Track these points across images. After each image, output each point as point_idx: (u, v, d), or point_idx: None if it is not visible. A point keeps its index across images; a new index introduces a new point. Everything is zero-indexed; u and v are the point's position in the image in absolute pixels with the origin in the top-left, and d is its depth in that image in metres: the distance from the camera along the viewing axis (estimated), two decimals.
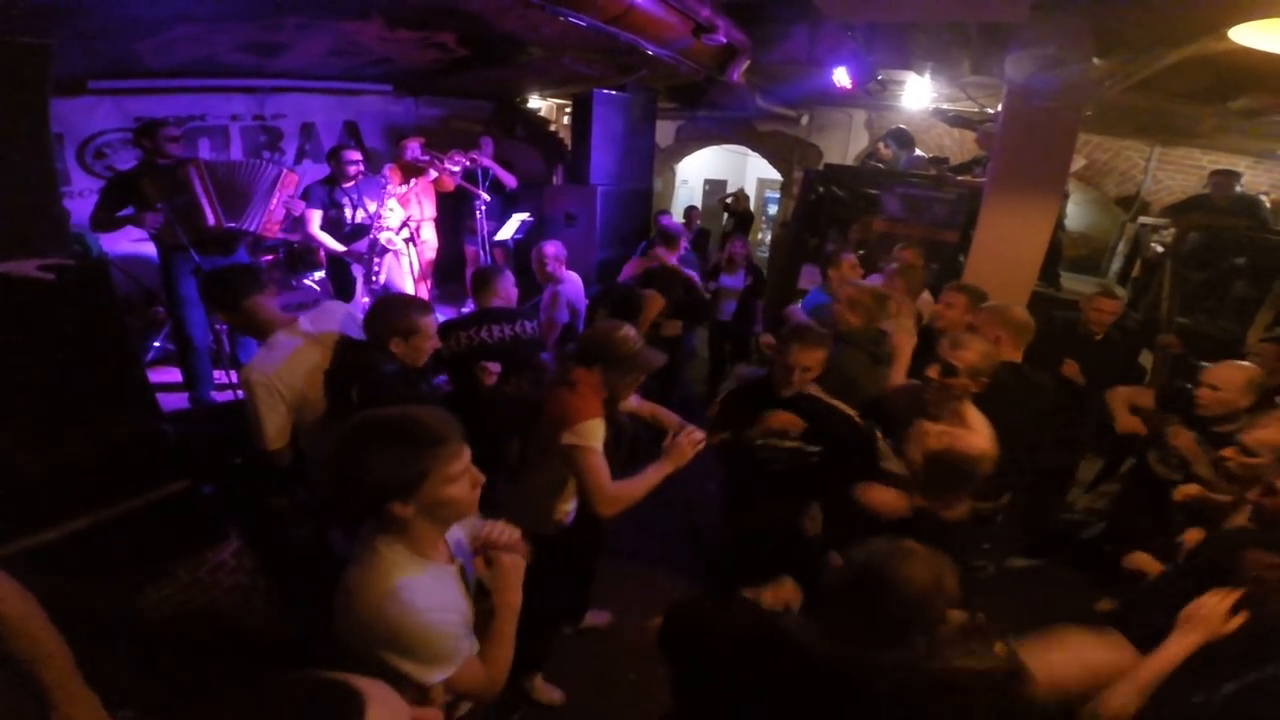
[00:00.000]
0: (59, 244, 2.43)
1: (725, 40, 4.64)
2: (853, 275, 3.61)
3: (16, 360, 2.15)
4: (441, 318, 2.80)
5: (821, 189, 5.34)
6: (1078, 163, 5.81)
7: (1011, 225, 3.86)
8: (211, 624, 2.50)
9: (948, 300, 3.08)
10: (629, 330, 2.00)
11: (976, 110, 5.35)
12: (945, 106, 5.84)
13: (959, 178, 5.13)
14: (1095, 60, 3.13)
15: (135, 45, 3.84)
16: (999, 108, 4.24)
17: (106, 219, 3.57)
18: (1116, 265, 6.16)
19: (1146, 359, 3.95)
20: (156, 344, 4.58)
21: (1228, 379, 2.41)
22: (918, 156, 6.04)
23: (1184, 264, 4.29)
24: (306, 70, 5.35)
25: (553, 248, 3.76)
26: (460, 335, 2.69)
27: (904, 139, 6.06)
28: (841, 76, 4.86)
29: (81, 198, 4.87)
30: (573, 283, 3.87)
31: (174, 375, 4.07)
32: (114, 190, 3.58)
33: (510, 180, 5.58)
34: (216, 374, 3.98)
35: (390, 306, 2.14)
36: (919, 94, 5.39)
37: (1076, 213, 6.90)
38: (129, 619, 2.29)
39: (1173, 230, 4.62)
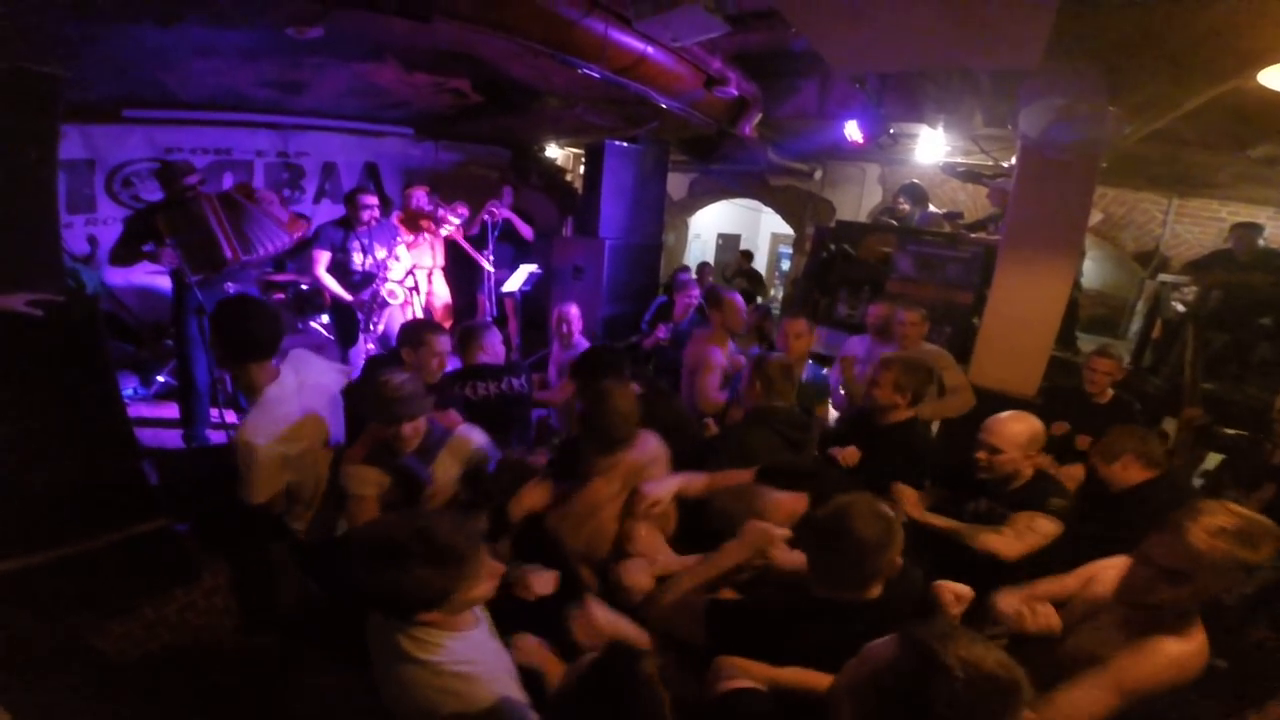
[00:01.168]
0: (52, 278, 2.41)
1: (737, 93, 4.71)
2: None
3: None
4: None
5: (833, 246, 5.28)
6: (1094, 217, 5.71)
7: (1027, 285, 3.73)
8: (176, 664, 2.42)
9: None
10: (394, 378, 1.96)
11: (990, 165, 5.33)
12: (958, 160, 5.84)
13: (973, 235, 5.07)
14: (1111, 109, 3.08)
15: (161, 76, 3.98)
16: (1013, 160, 4.20)
17: (125, 254, 3.62)
18: (1136, 325, 5.96)
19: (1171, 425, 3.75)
20: (162, 378, 4.57)
21: (1010, 437, 2.13)
22: (931, 213, 6.01)
23: (1207, 325, 4.11)
24: (329, 109, 5.53)
25: (576, 310, 3.86)
26: (445, 392, 2.68)
27: (917, 194, 6.04)
28: (853, 130, 4.89)
29: (106, 225, 4.99)
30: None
31: (174, 411, 4.03)
32: (134, 226, 3.64)
33: (528, 231, 5.60)
34: (214, 412, 3.90)
35: (408, 324, 2.61)
36: (932, 148, 5.40)
37: (1093, 269, 6.76)
38: (88, 654, 2.22)
39: (1194, 288, 4.47)
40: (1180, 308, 4.58)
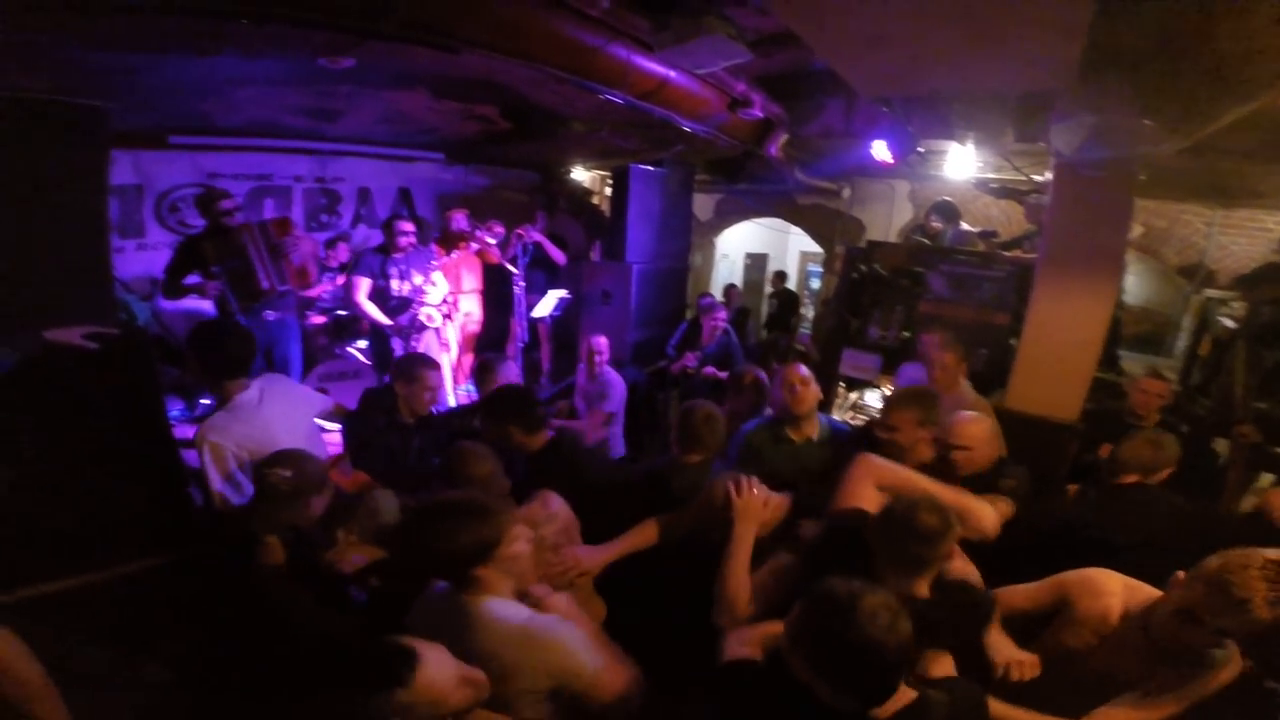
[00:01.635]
0: (105, 311, 2.50)
1: (762, 114, 4.71)
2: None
3: (53, 422, 2.20)
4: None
5: (864, 267, 5.18)
6: (1134, 230, 5.50)
7: (1067, 306, 3.57)
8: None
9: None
10: (276, 471, 1.88)
11: (1024, 180, 5.20)
12: (991, 176, 5.70)
13: (1008, 254, 4.93)
14: (1146, 122, 2.97)
15: (204, 105, 4.16)
16: (1047, 175, 4.08)
17: (175, 286, 3.78)
18: (1182, 343, 5.69)
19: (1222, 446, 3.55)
20: (206, 401, 4.66)
21: (976, 435, 2.32)
22: (964, 230, 5.87)
23: (1258, 341, 3.90)
24: (362, 135, 5.70)
25: (604, 341, 3.92)
26: (456, 424, 2.82)
27: (949, 212, 5.90)
28: (881, 150, 4.82)
29: (154, 250, 5.22)
30: (618, 385, 3.90)
31: None
32: (181, 255, 3.79)
33: (559, 256, 5.64)
34: None
35: (404, 357, 2.71)
36: (963, 164, 5.29)
37: (1136, 285, 6.48)
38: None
39: (1243, 303, 4.25)
40: (1229, 324, 4.36)
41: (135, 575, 2.33)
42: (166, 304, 4.97)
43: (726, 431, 2.37)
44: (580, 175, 7.71)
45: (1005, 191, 5.50)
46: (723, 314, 4.51)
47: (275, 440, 2.12)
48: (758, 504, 1.75)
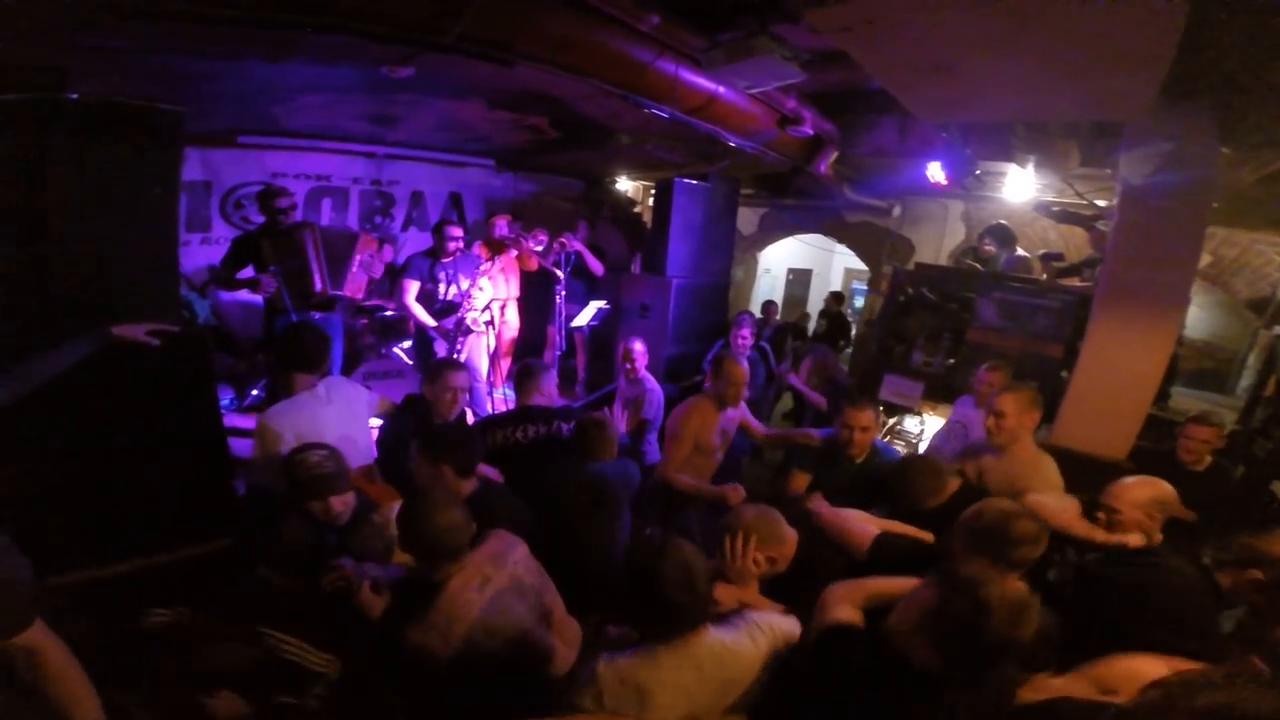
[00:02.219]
0: (170, 308, 2.57)
1: (812, 132, 4.65)
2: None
3: (112, 413, 2.32)
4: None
5: (911, 290, 5.05)
6: (1202, 259, 5.21)
7: (1125, 342, 3.41)
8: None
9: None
10: (311, 454, 1.96)
11: (1086, 204, 4.99)
12: (1053, 200, 5.49)
13: (1064, 282, 4.73)
14: (1223, 150, 2.82)
15: (272, 108, 4.35)
16: (1113, 200, 3.91)
17: (227, 278, 3.90)
18: (1247, 380, 5.37)
19: None
20: (255, 392, 4.85)
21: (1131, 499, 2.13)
22: (1019, 256, 5.67)
23: None
24: (418, 141, 5.87)
25: (641, 345, 3.90)
26: (498, 434, 2.80)
27: (1005, 236, 5.69)
28: (935, 172, 4.71)
29: (217, 245, 5.46)
30: (656, 392, 3.90)
31: None
32: (237, 249, 3.90)
33: (598, 267, 5.69)
34: None
35: (434, 360, 2.67)
36: (1021, 186, 5.11)
37: (1200, 318, 6.14)
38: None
39: None
40: None
41: (176, 564, 2.40)
42: (224, 294, 5.21)
43: None
44: (624, 185, 7.76)
45: (1069, 217, 5.28)
46: (747, 330, 4.43)
47: (325, 437, 2.17)
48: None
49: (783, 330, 6.85)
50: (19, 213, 2.16)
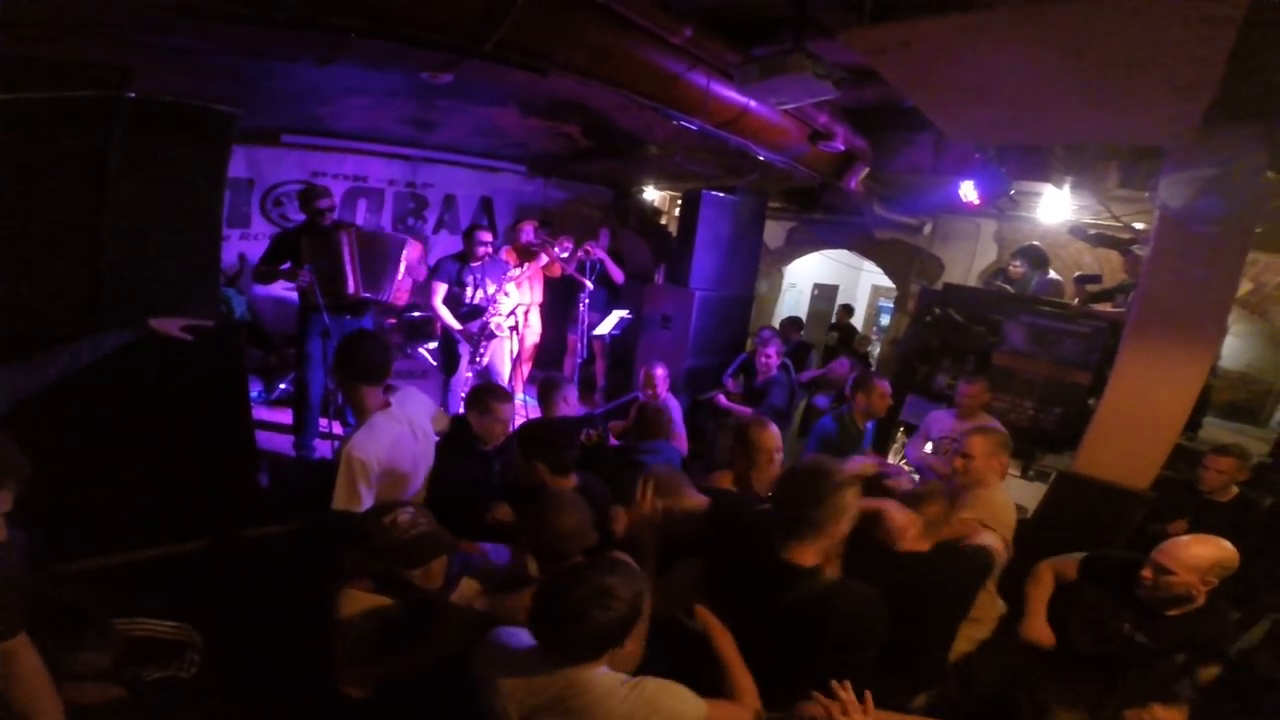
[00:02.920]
0: (209, 303, 2.65)
1: (844, 147, 4.64)
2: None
3: (145, 406, 2.39)
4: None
5: (938, 311, 4.99)
6: (1242, 286, 5.05)
7: (1155, 371, 3.33)
8: None
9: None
10: (401, 516, 1.73)
11: (1121, 226, 4.89)
12: (1088, 222, 5.38)
13: (1096, 307, 4.64)
14: (1270, 174, 2.75)
15: (317, 109, 4.49)
16: (1150, 224, 3.82)
17: (267, 272, 3.98)
18: None
19: None
20: (283, 385, 4.98)
21: (1188, 560, 1.96)
22: (1051, 279, 5.57)
23: None
24: (454, 144, 5.98)
25: (662, 370, 3.95)
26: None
27: (1037, 258, 5.60)
28: (968, 191, 4.65)
29: (255, 240, 5.63)
30: (676, 410, 3.90)
31: (289, 416, 4.35)
32: (277, 246, 4.00)
33: (619, 275, 5.72)
34: (323, 422, 4.21)
35: (478, 388, 2.62)
36: (1056, 207, 5.02)
37: (1236, 347, 5.93)
38: None
39: None
40: None
41: (197, 553, 2.47)
42: (258, 289, 5.35)
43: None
44: (650, 195, 7.81)
45: (1102, 239, 5.18)
46: (773, 350, 4.40)
47: (404, 462, 2.21)
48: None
49: (803, 347, 6.81)
50: (80, 206, 2.25)
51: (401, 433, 2.24)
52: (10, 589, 1.36)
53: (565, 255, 5.35)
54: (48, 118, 2.11)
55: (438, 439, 2.58)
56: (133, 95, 2.25)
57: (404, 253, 4.18)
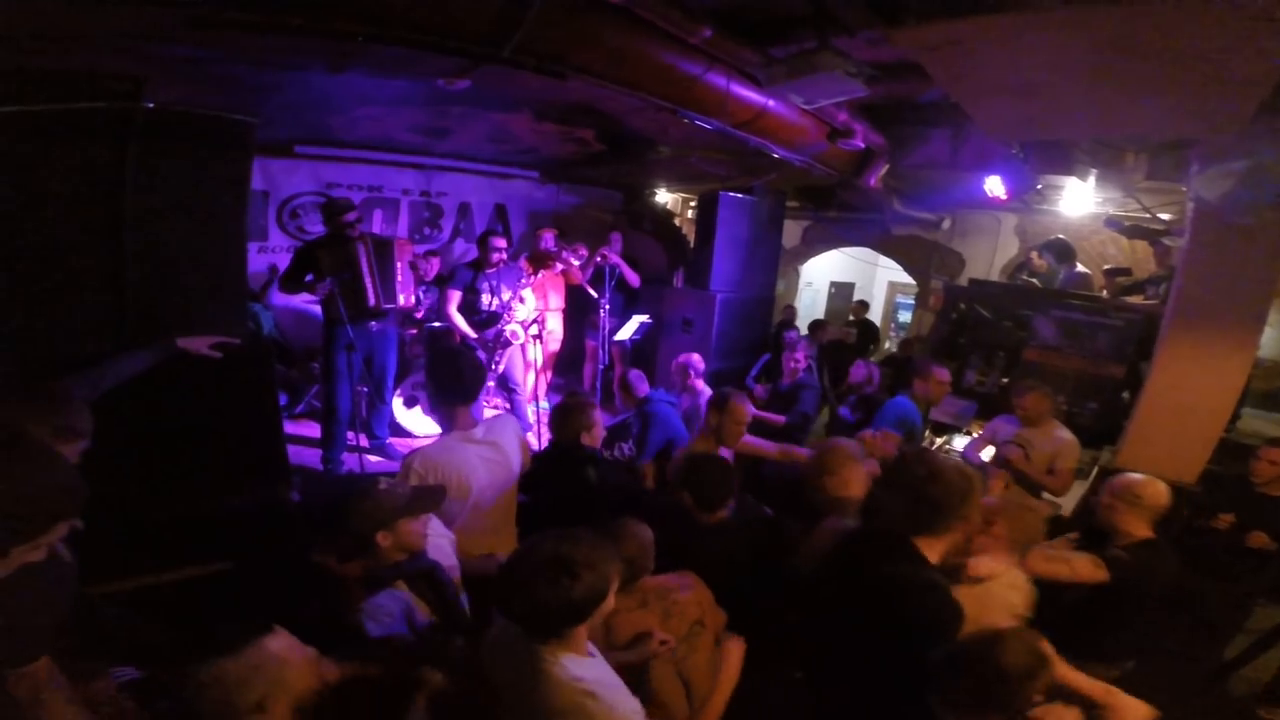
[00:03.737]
0: (238, 318, 2.61)
1: (863, 144, 4.56)
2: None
3: (175, 423, 2.36)
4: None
5: (964, 307, 4.89)
6: None
7: (1197, 364, 3.29)
8: None
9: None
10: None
11: (1151, 217, 4.77)
12: (1114, 213, 5.26)
13: (1128, 299, 4.53)
14: None
15: (329, 119, 4.48)
16: (1179, 215, 3.73)
17: (291, 285, 3.98)
18: None
19: None
20: (309, 399, 4.99)
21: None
22: (1079, 272, 5.45)
23: None
24: (466, 152, 5.96)
25: (699, 358, 3.91)
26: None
27: (1063, 251, 5.48)
28: (995, 186, 4.56)
29: (273, 254, 5.65)
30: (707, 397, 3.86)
31: (316, 430, 4.34)
32: (299, 258, 3.99)
33: (634, 279, 5.68)
34: (350, 436, 4.18)
35: (575, 409, 2.51)
36: (1080, 199, 4.92)
37: (1270, 336, 5.79)
38: None
39: None
40: None
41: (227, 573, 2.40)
42: (279, 300, 5.36)
43: None
44: (663, 197, 7.76)
45: (1136, 230, 5.04)
46: (801, 354, 4.32)
47: (468, 476, 2.17)
48: None
49: (834, 347, 6.70)
50: (100, 220, 2.23)
51: (474, 453, 2.22)
52: (43, 611, 1.33)
53: (579, 262, 5.31)
54: (64, 130, 2.09)
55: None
56: (149, 105, 2.22)
57: (394, 251, 4.14)
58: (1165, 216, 4.67)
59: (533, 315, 4.69)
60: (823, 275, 10.41)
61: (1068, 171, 4.48)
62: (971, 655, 1.33)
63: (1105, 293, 4.97)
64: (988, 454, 3.51)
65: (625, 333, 5.31)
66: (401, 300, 4.19)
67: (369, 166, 5.98)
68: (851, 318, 8.13)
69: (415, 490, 1.78)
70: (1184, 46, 1.79)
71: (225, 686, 1.06)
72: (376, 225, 6.15)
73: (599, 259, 5.31)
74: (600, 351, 5.26)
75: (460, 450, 2.19)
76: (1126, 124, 2.65)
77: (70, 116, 2.12)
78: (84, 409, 1.62)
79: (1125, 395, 3.99)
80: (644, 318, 5.39)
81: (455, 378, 2.24)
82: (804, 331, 6.73)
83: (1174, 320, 3.39)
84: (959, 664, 1.34)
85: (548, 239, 5.34)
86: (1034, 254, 5.50)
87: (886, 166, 4.96)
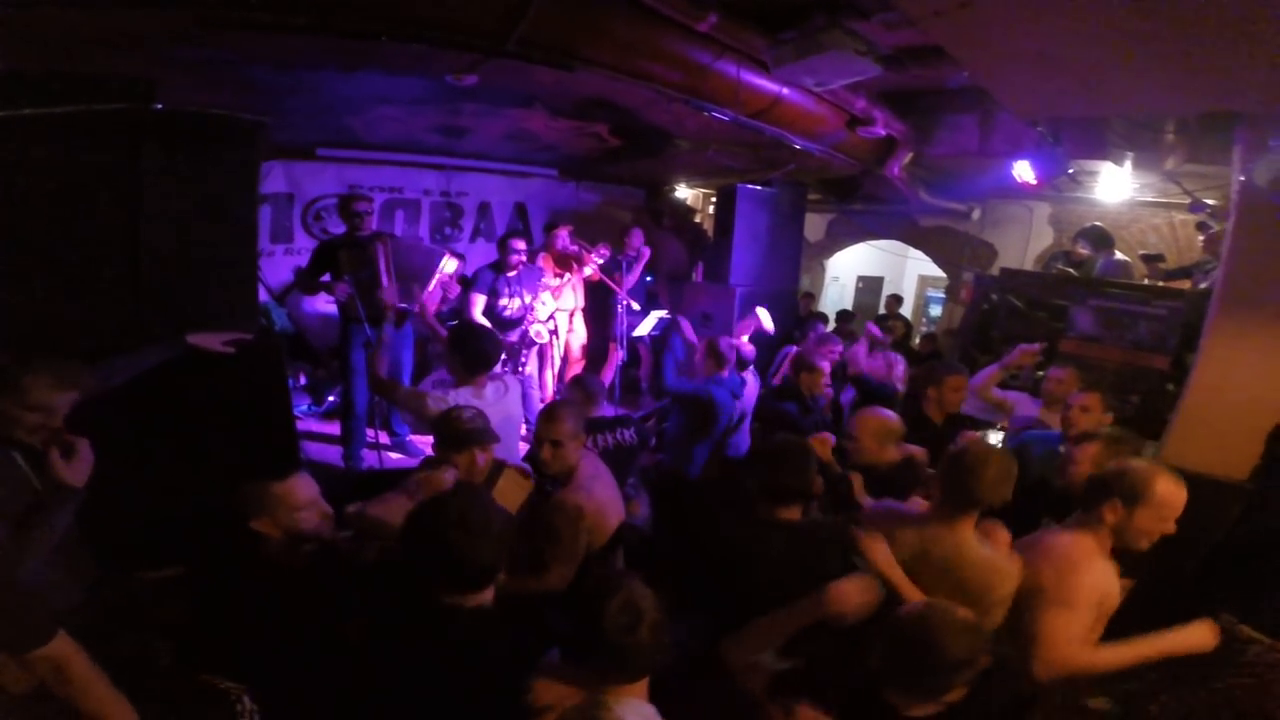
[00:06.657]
0: (248, 315, 2.61)
1: (884, 132, 4.43)
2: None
3: (186, 422, 2.39)
4: None
5: (995, 298, 4.72)
6: None
7: (1247, 354, 3.08)
8: None
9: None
10: (465, 411, 2.19)
11: (1194, 201, 4.53)
12: (1152, 199, 5.03)
13: (1170, 285, 4.32)
14: None
15: (349, 120, 4.54)
16: (1223, 198, 3.53)
17: (308, 283, 4.03)
18: None
19: None
20: (332, 398, 5.01)
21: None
22: (1117, 260, 5.22)
23: None
24: (486, 152, 5.99)
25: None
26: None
27: (1101, 238, 5.25)
28: (1024, 171, 4.37)
29: (299, 255, 5.73)
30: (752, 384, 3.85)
31: (337, 428, 4.34)
32: (318, 257, 4.03)
33: (634, 278, 5.63)
34: (370, 432, 4.21)
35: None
36: (1116, 185, 4.70)
37: None
38: None
39: None
40: None
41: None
42: (305, 305, 5.44)
43: None
44: (683, 193, 7.69)
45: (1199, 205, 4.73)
46: (838, 348, 4.01)
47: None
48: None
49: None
50: (115, 220, 2.27)
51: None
52: (29, 601, 1.34)
53: (600, 261, 5.28)
54: (77, 132, 2.12)
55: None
56: (160, 107, 2.25)
57: (440, 264, 4.14)
58: (1211, 201, 4.43)
59: (550, 314, 4.68)
60: (849, 270, 10.19)
61: (1102, 156, 4.28)
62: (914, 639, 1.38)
63: (1147, 280, 4.74)
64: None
65: (644, 328, 5.26)
66: (413, 305, 4.16)
67: (390, 168, 6.04)
68: (883, 311, 7.92)
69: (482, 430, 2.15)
70: (1225, 11, 1.65)
71: None
72: (399, 226, 6.20)
73: (632, 252, 5.24)
74: (619, 349, 5.22)
75: (466, 397, 2.57)
76: (1160, 97, 2.48)
77: (86, 119, 2.15)
78: (82, 366, 1.73)
79: (1170, 388, 3.79)
80: (663, 313, 5.34)
81: (473, 346, 2.65)
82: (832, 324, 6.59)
83: (1221, 307, 3.20)
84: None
85: (563, 237, 5.31)
86: (1077, 245, 5.29)
87: (911, 155, 4.81)
